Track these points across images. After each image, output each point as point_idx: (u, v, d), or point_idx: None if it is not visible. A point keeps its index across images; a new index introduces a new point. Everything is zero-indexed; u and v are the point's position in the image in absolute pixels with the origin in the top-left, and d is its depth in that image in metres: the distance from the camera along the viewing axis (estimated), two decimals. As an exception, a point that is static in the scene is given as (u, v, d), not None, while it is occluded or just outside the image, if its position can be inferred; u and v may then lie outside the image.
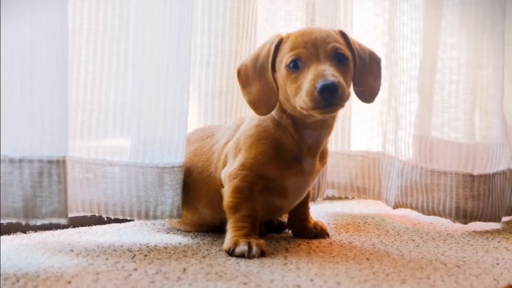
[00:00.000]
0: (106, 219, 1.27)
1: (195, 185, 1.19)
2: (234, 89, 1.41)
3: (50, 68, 1.00)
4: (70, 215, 1.23)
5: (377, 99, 1.59)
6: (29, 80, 0.99)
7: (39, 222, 1.00)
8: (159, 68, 1.15)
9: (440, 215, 1.43)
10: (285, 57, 1.07)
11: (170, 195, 1.16)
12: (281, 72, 1.08)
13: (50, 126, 1.00)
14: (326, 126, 1.13)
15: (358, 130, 1.69)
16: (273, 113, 1.13)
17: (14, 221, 1.01)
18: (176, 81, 1.16)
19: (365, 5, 1.65)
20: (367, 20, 1.65)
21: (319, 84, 1.00)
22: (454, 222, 1.41)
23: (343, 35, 1.12)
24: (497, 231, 1.39)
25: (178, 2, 1.14)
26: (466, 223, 1.41)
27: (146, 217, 1.17)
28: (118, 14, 1.17)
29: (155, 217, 1.17)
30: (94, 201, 1.16)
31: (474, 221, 1.40)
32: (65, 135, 1.03)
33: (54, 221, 1.01)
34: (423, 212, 1.45)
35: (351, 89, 1.11)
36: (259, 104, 1.11)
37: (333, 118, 1.14)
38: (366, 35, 1.65)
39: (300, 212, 1.25)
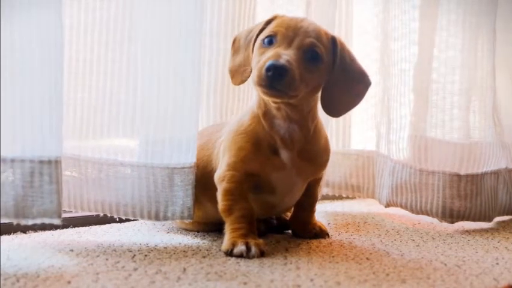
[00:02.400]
0: (106, 219, 1.28)
1: (200, 178, 1.19)
2: (230, 87, 1.41)
3: (43, 69, 1.00)
4: (81, 214, 1.25)
5: (374, 100, 1.60)
6: (22, 80, 0.99)
7: (30, 222, 1.00)
8: (169, 68, 1.15)
9: (427, 214, 1.43)
10: (265, 32, 1.09)
11: (181, 196, 1.16)
12: (257, 44, 1.10)
13: (42, 126, 1.00)
14: (293, 121, 1.11)
15: (358, 130, 1.70)
16: (254, 101, 1.14)
17: (5, 220, 1.01)
18: (186, 80, 1.16)
19: (363, 5, 1.65)
20: (367, 20, 1.65)
21: (268, 63, 1.01)
22: (441, 221, 1.42)
23: (333, 40, 1.11)
24: (497, 231, 1.39)
25: (187, 1, 1.14)
26: (452, 222, 1.42)
27: (157, 218, 1.17)
28: (128, 13, 1.17)
29: (165, 218, 1.17)
30: (105, 201, 1.16)
31: (461, 220, 1.41)
32: (59, 135, 1.02)
33: (46, 221, 1.00)
34: (412, 211, 1.45)
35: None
36: (236, 74, 1.15)
37: (299, 114, 1.11)
38: (365, 35, 1.65)
39: (304, 215, 1.25)
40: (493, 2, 1.43)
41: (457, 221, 1.41)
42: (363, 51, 1.65)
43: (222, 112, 1.42)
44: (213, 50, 1.38)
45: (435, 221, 1.47)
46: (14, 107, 0.98)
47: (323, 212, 1.55)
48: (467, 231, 1.38)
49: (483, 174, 1.43)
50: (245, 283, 0.90)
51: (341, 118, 1.62)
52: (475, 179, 1.41)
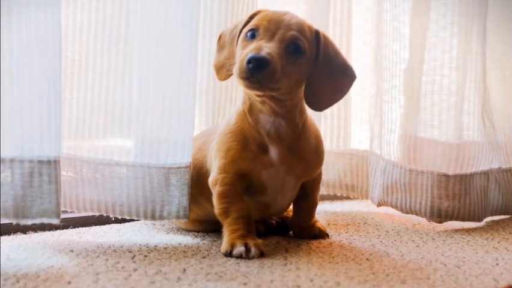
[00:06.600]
0: (106, 219, 1.28)
1: (197, 179, 1.20)
2: (222, 87, 1.41)
3: (42, 69, 1.00)
4: (81, 214, 1.26)
5: (373, 100, 1.60)
6: (21, 80, 0.99)
7: (29, 222, 1.00)
8: (165, 68, 1.15)
9: (416, 214, 1.44)
10: (248, 26, 1.09)
11: (177, 196, 1.17)
12: (240, 38, 1.10)
13: (41, 126, 1.00)
14: (279, 115, 1.11)
15: (359, 130, 1.70)
16: (241, 99, 1.14)
17: (4, 220, 1.01)
18: (182, 80, 1.16)
19: (363, 5, 1.65)
20: (366, 20, 1.65)
21: (249, 55, 1.01)
22: (429, 221, 1.43)
23: (316, 34, 1.12)
24: (497, 231, 1.39)
25: (183, 1, 1.15)
26: (440, 222, 1.42)
27: (153, 217, 1.17)
28: (124, 13, 1.18)
29: (161, 217, 1.17)
30: (101, 201, 1.16)
31: (450, 220, 1.42)
32: (58, 135, 1.02)
33: (45, 220, 1.01)
34: (401, 210, 1.46)
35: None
36: (221, 69, 1.15)
37: (285, 108, 1.11)
38: (365, 35, 1.65)
39: (303, 219, 1.25)
40: (483, 4, 1.45)
41: (445, 221, 1.42)
42: (362, 51, 1.65)
43: (214, 112, 1.42)
44: (205, 50, 1.38)
45: (434, 221, 1.48)
46: (13, 107, 0.99)
47: (322, 212, 1.55)
48: (467, 231, 1.38)
49: (472, 175, 1.44)
50: (245, 283, 0.90)
51: (337, 117, 1.63)
52: (463, 179, 1.42)
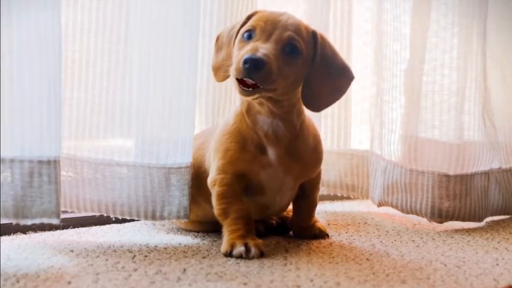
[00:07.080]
0: (106, 219, 1.28)
1: (195, 178, 1.20)
2: (222, 88, 1.41)
3: (42, 69, 1.00)
4: (81, 214, 1.26)
5: (373, 100, 1.60)
6: (21, 80, 0.99)
7: (29, 222, 1.00)
8: (165, 68, 1.15)
9: (417, 214, 1.45)
10: (245, 27, 1.09)
11: (177, 196, 1.17)
12: (237, 39, 1.10)
13: (41, 126, 1.00)
14: (277, 116, 1.11)
15: (359, 130, 1.70)
16: (240, 100, 1.14)
17: (4, 221, 1.01)
18: (182, 80, 1.16)
19: (363, 5, 1.65)
20: (366, 20, 1.65)
21: (245, 56, 1.00)
22: (430, 221, 1.43)
23: (313, 35, 1.11)
24: (497, 231, 1.39)
25: (183, 1, 1.14)
26: (441, 222, 1.42)
27: (153, 218, 1.17)
28: (124, 13, 1.18)
29: (162, 218, 1.17)
30: (102, 201, 1.17)
31: (450, 220, 1.42)
32: (58, 135, 1.02)
33: (45, 220, 1.01)
34: (402, 210, 1.46)
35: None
36: (219, 70, 1.15)
37: (282, 109, 1.11)
38: (365, 36, 1.65)
39: (303, 220, 1.25)
40: (483, 5, 1.45)
41: (445, 221, 1.42)
42: (363, 51, 1.65)
43: (214, 112, 1.42)
44: (205, 50, 1.38)
45: (435, 221, 1.48)
46: (13, 107, 0.99)
47: (322, 212, 1.55)
48: (467, 231, 1.38)
49: (473, 175, 1.44)
50: (245, 284, 0.90)
51: (337, 117, 1.63)
52: (464, 179, 1.43)
